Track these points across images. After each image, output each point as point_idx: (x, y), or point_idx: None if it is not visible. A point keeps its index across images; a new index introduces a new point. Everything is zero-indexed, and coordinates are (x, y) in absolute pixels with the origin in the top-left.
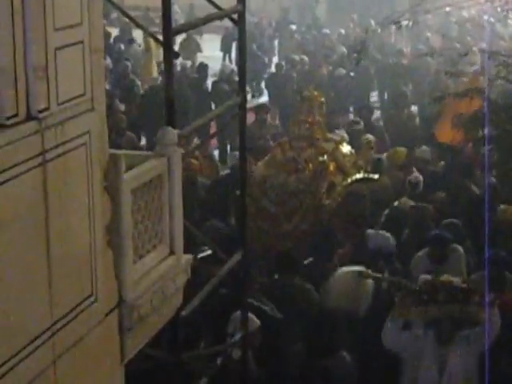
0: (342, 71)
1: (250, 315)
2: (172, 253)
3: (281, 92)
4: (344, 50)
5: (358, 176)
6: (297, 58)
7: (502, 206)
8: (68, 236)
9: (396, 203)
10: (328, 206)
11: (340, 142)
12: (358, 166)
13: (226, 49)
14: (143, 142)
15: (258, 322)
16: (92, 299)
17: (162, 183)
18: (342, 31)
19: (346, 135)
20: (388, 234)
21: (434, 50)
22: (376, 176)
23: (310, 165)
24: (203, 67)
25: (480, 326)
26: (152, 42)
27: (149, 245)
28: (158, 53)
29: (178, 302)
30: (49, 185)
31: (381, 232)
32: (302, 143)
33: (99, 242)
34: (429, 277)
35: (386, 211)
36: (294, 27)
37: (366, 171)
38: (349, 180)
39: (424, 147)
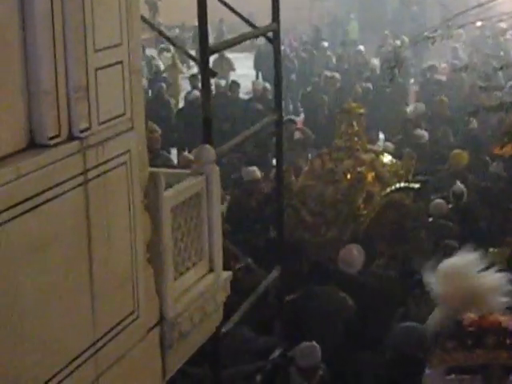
0: (370, 86)
1: (315, 345)
2: (211, 270)
3: (315, 109)
4: (377, 64)
5: (398, 185)
6: (329, 74)
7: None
8: (110, 254)
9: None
10: (366, 216)
11: (381, 153)
12: (399, 176)
13: (258, 67)
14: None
15: (319, 353)
16: (134, 316)
17: (200, 201)
18: (374, 47)
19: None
20: (356, 252)
21: (467, 64)
22: (417, 185)
23: (348, 175)
24: (235, 85)
25: None
26: (177, 58)
27: (189, 262)
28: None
29: (218, 319)
30: (91, 203)
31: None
32: (342, 154)
33: (140, 260)
34: (474, 316)
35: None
36: (326, 44)
37: (407, 181)
38: (388, 190)
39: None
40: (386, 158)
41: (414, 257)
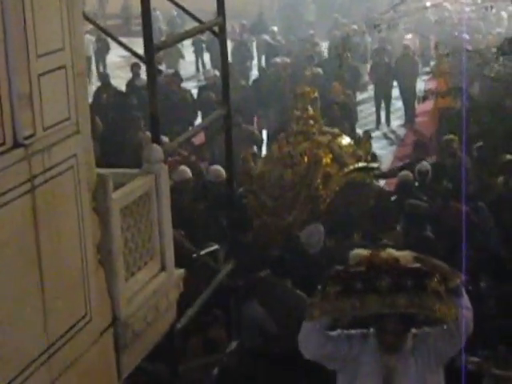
0: (320, 71)
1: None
2: (163, 268)
3: (266, 95)
4: (325, 50)
5: (358, 165)
6: (279, 60)
7: None
8: (59, 258)
9: None
10: (324, 197)
11: (338, 135)
12: (357, 157)
13: (198, 52)
14: None
15: None
16: (86, 319)
17: (150, 200)
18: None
19: None
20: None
21: (414, 51)
22: (376, 165)
23: (306, 158)
24: (177, 78)
25: (441, 325)
26: None
27: (140, 262)
28: None
29: (172, 317)
30: (38, 210)
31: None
32: (299, 138)
33: (91, 262)
34: (364, 252)
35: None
36: (275, 29)
37: (365, 161)
38: (346, 170)
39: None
40: (344, 140)
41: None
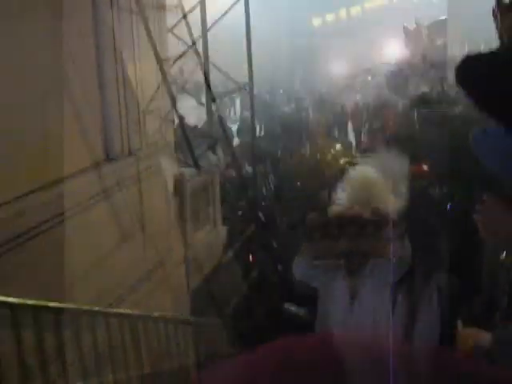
0: None
1: None
2: (215, 226)
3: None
4: None
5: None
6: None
7: None
8: (153, 217)
9: None
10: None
11: (335, 143)
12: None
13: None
14: None
15: None
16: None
17: (207, 189)
18: None
19: None
20: None
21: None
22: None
23: (318, 155)
24: None
25: (385, 258)
26: None
27: (201, 223)
28: None
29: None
30: (142, 190)
31: None
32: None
33: (172, 218)
34: (340, 207)
35: None
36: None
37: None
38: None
39: None
40: (338, 146)
41: None
